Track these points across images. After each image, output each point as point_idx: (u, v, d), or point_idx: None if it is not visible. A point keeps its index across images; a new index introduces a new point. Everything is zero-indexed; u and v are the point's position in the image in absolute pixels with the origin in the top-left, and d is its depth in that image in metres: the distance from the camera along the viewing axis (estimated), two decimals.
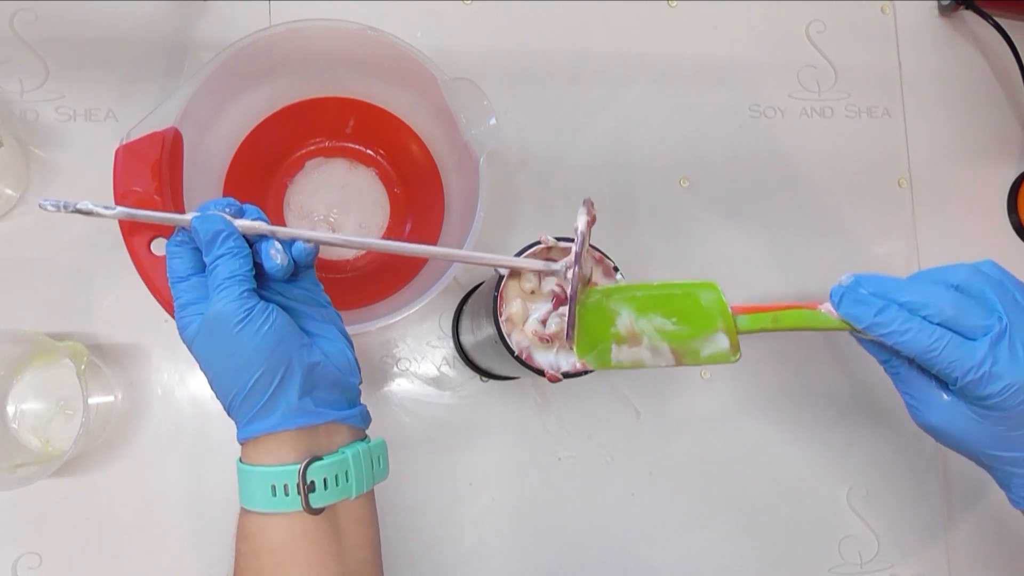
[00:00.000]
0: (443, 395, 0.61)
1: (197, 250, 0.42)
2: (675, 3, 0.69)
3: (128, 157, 0.50)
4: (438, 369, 0.62)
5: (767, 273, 0.66)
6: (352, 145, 0.63)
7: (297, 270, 0.44)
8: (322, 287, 0.46)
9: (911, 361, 0.43)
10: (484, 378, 0.62)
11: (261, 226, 0.42)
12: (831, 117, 0.69)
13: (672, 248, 0.65)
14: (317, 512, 0.39)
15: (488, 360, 0.56)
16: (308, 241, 0.43)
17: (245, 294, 0.40)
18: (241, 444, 0.41)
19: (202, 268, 0.42)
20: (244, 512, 0.40)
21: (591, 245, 0.48)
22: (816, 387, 0.65)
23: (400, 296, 0.61)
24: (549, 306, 0.47)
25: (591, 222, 0.43)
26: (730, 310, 0.43)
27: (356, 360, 0.44)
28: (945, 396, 0.43)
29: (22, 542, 0.56)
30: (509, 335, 0.46)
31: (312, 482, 0.39)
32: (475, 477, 0.60)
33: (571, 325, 0.43)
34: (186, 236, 0.42)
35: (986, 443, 0.42)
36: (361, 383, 0.44)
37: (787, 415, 0.65)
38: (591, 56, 0.67)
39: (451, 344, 0.62)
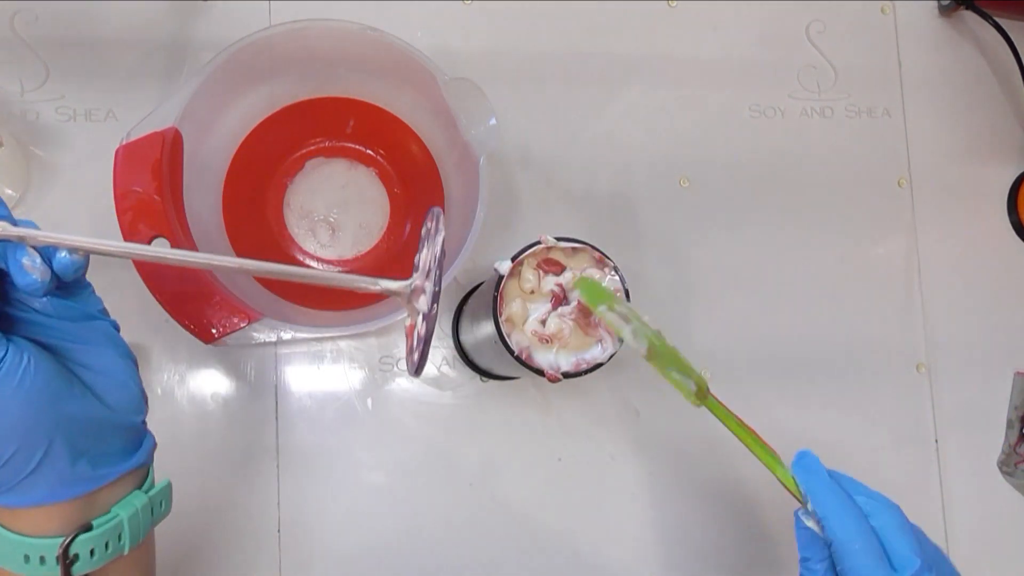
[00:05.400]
0: (443, 395, 0.61)
1: None
2: (675, 3, 0.69)
3: (128, 157, 0.50)
4: (438, 369, 0.62)
5: (767, 273, 0.66)
6: (352, 145, 0.63)
7: (60, 283, 0.32)
8: (92, 288, 0.35)
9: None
10: (484, 378, 0.61)
11: (3, 227, 0.29)
12: (831, 117, 0.69)
13: (672, 248, 0.65)
14: None
15: (488, 360, 0.56)
16: (75, 250, 0.31)
17: None
18: None
19: None
20: None
21: (589, 244, 0.48)
22: (817, 387, 0.65)
23: None
24: (548, 306, 0.47)
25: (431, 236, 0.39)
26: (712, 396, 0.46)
27: (142, 388, 0.35)
28: None
29: None
30: (509, 335, 0.46)
31: (76, 554, 0.32)
32: (475, 477, 0.60)
33: (423, 357, 0.36)
34: None
35: None
36: (147, 413, 0.36)
37: (788, 415, 0.64)
38: (591, 56, 0.67)
39: (451, 344, 0.62)
